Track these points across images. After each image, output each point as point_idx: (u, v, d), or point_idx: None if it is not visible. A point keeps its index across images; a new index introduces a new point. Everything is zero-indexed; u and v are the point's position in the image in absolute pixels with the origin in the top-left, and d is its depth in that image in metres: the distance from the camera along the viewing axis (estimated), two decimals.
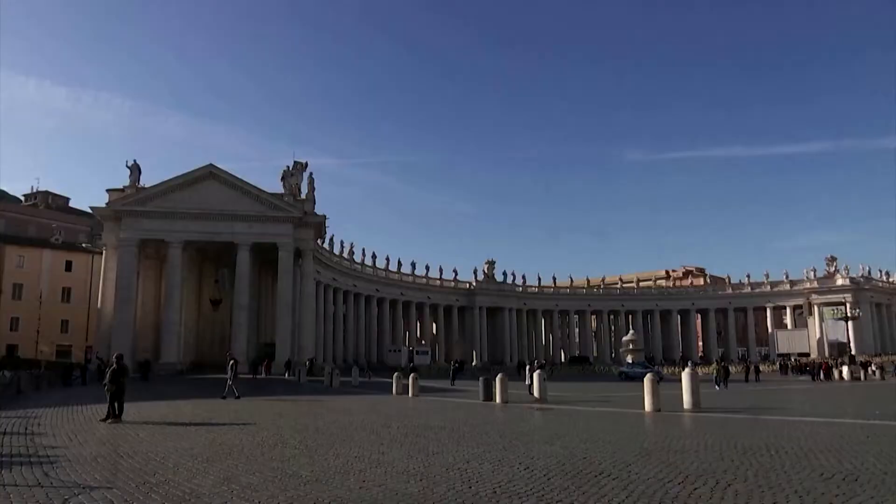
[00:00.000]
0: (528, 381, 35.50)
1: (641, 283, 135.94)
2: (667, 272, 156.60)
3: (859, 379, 58.31)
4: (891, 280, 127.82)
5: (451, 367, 55.40)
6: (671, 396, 24.69)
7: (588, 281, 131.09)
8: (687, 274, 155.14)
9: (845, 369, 61.63)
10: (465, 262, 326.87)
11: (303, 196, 71.29)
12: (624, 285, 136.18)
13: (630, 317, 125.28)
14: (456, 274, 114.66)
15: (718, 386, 42.46)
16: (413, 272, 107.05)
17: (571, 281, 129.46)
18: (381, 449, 13.60)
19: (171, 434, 16.93)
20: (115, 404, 19.71)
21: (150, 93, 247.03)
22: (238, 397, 29.89)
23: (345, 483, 9.69)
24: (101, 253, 70.04)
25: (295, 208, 68.68)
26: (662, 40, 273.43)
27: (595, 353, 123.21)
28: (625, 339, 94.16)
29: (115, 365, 20.70)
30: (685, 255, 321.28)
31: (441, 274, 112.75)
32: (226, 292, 71.00)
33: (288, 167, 71.40)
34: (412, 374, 36.35)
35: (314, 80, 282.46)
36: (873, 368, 65.53)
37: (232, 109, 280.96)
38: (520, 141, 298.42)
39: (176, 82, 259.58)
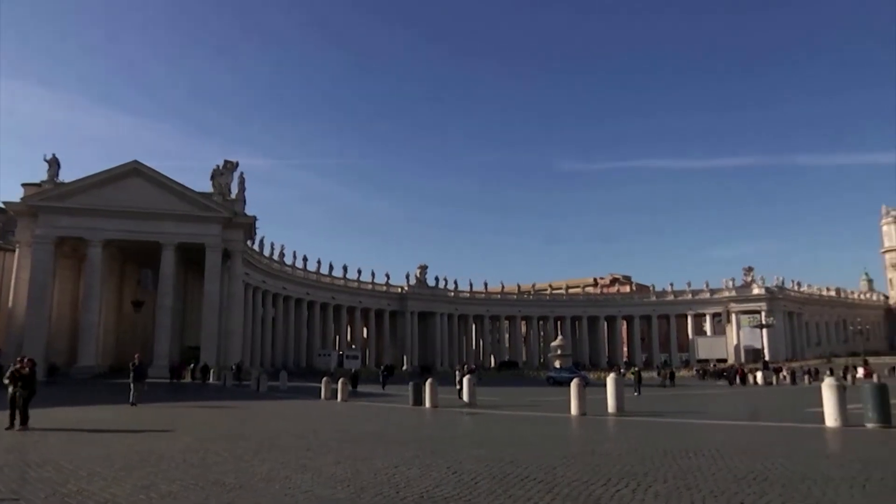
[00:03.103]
0: (458, 386, 35.66)
1: (570, 290, 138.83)
2: (595, 280, 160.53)
3: (772, 384, 61.24)
4: (802, 290, 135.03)
5: (382, 372, 55.06)
6: (596, 401, 25.24)
7: (519, 287, 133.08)
8: (614, 282, 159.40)
9: (759, 374, 64.62)
10: (398, 267, 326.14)
11: (233, 196, 69.58)
12: (554, 292, 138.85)
13: (559, 323, 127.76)
14: (388, 278, 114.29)
15: (637, 392, 43.60)
16: (345, 276, 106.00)
17: (503, 287, 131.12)
18: (309, 455, 13.38)
19: (85, 441, 16.18)
20: (20, 411, 18.56)
21: (74, 86, 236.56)
22: (134, 404, 27.85)
23: (270, 489, 9.48)
24: (14, 251, 66.34)
25: (224, 208, 66.94)
26: (599, 52, 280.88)
27: (524, 359, 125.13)
28: (553, 344, 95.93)
29: (25, 368, 19.52)
30: (613, 264, 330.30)
31: (373, 278, 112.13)
32: (149, 293, 68.52)
33: (218, 166, 69.61)
34: (341, 379, 35.92)
35: (249, 80, 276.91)
36: (784, 374, 68.98)
37: (161, 107, 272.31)
38: (455, 147, 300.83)
39: (102, 76, 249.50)
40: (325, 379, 37.41)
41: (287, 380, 48.23)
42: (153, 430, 19.06)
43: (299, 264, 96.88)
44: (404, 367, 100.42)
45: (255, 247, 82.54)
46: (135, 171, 63.95)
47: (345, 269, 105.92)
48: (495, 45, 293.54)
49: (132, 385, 29.23)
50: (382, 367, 60.60)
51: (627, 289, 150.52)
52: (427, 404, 28.23)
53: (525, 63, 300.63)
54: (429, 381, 29.37)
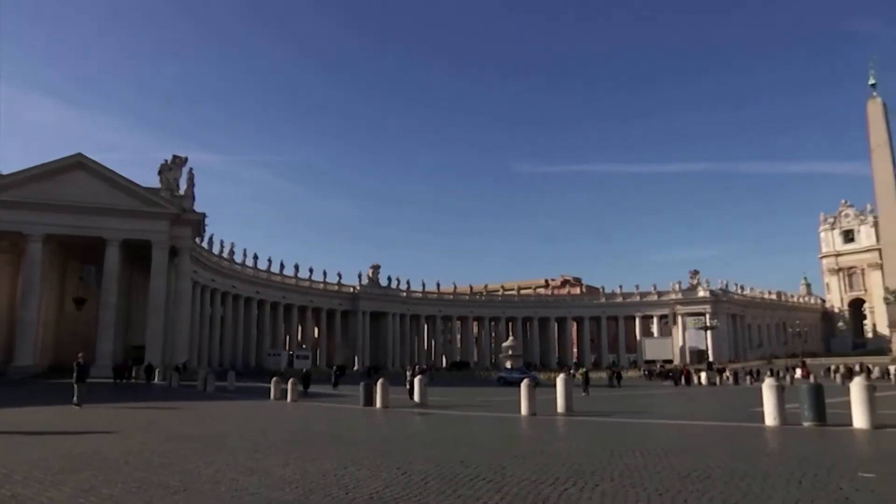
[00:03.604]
0: (408, 386, 35.64)
1: (522, 292, 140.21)
2: (546, 281, 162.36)
3: (715, 384, 62.94)
4: (745, 293, 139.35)
5: (334, 372, 54.57)
6: (546, 401, 25.54)
7: (471, 288, 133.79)
8: (565, 283, 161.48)
9: (703, 375, 66.35)
10: (351, 267, 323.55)
11: (181, 192, 67.94)
12: (506, 293, 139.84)
13: (510, 323, 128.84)
14: (340, 278, 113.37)
15: (585, 392, 44.20)
16: (296, 275, 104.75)
17: (455, 287, 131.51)
18: (256, 456, 13.17)
19: (21, 444, 15.59)
20: None
21: (15, 76, 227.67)
22: (78, 405, 27.01)
23: (216, 492, 9.31)
24: None
25: (172, 204, 65.34)
26: (556, 58, 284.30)
27: (476, 359, 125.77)
28: (504, 344, 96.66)
29: None
30: (564, 266, 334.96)
31: (325, 277, 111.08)
32: (92, 291, 66.41)
33: (166, 161, 67.89)
34: (291, 379, 35.48)
35: (200, 76, 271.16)
36: (727, 374, 71.00)
37: (108, 100, 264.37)
38: (411, 148, 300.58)
39: (45, 68, 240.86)
40: (274, 379, 36.92)
41: (235, 380, 47.39)
42: (95, 431, 18.49)
43: (249, 262, 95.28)
44: (355, 368, 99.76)
45: (205, 244, 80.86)
46: (79, 164, 61.87)
47: (296, 268, 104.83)
48: (454, 47, 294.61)
49: (75, 385, 28.25)
50: (335, 368, 60.08)
51: (578, 290, 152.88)
52: (378, 405, 28.12)
53: (482, 66, 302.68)
54: (380, 381, 29.28)
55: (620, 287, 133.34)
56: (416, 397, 30.05)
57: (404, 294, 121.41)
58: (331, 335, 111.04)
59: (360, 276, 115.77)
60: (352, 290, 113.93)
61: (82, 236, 63.09)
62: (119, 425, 20.32)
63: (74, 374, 28.63)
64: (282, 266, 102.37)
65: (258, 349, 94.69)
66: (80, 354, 30.52)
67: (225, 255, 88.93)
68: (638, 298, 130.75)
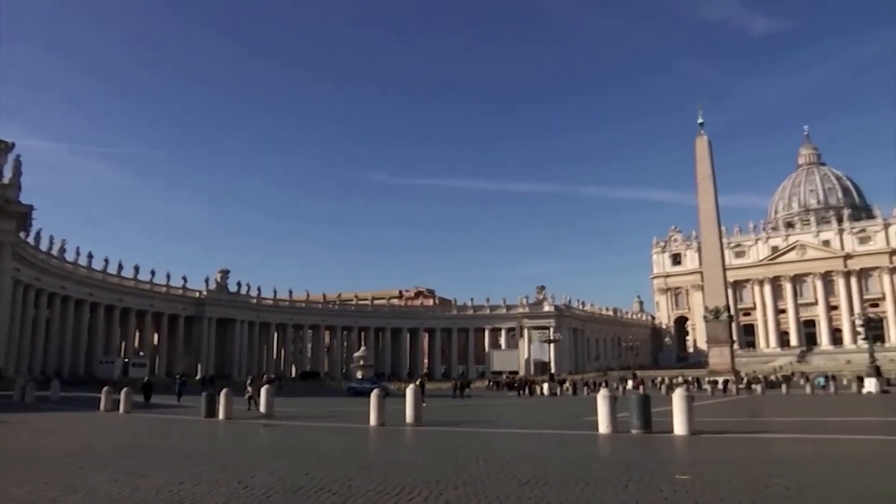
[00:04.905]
0: (246, 395, 34.61)
1: (376, 302, 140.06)
2: (400, 292, 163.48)
3: (556, 394, 66.23)
4: (585, 308, 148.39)
5: (178, 382, 51.36)
6: (396, 411, 25.67)
7: (325, 297, 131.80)
8: (418, 295, 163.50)
9: (546, 386, 69.65)
10: (197, 271, 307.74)
11: (5, 181, 61.51)
12: (359, 302, 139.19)
13: (363, 333, 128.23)
14: (185, 281, 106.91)
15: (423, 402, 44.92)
16: (136, 276, 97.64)
17: (308, 295, 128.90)
18: (80, 473, 12.14)
19: None
20: None
21: None
22: None
23: None
24: None
25: None
26: (414, 75, 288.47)
27: (327, 369, 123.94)
28: (356, 354, 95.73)
29: None
30: (419, 277, 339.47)
31: (169, 280, 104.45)
32: None
33: None
34: (125, 389, 33.02)
35: (33, 55, 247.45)
36: (567, 385, 75.02)
37: None
38: (264, 153, 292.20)
39: None
40: (105, 389, 34.19)
41: (60, 389, 43.42)
42: None
43: (83, 261, 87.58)
44: (198, 376, 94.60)
45: (31, 240, 73.64)
46: None
47: (136, 269, 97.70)
48: (313, 56, 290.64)
49: None
50: (179, 376, 56.35)
51: (431, 302, 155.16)
52: (221, 416, 26.92)
53: (341, 77, 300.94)
54: (223, 391, 28.05)
55: (472, 300, 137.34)
56: (263, 408, 29.07)
57: (254, 300, 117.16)
58: (172, 342, 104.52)
59: (207, 280, 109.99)
60: (198, 294, 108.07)
61: None
62: None
63: None
64: (120, 266, 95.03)
65: (89, 356, 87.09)
66: None
67: (55, 252, 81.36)
68: (488, 311, 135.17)
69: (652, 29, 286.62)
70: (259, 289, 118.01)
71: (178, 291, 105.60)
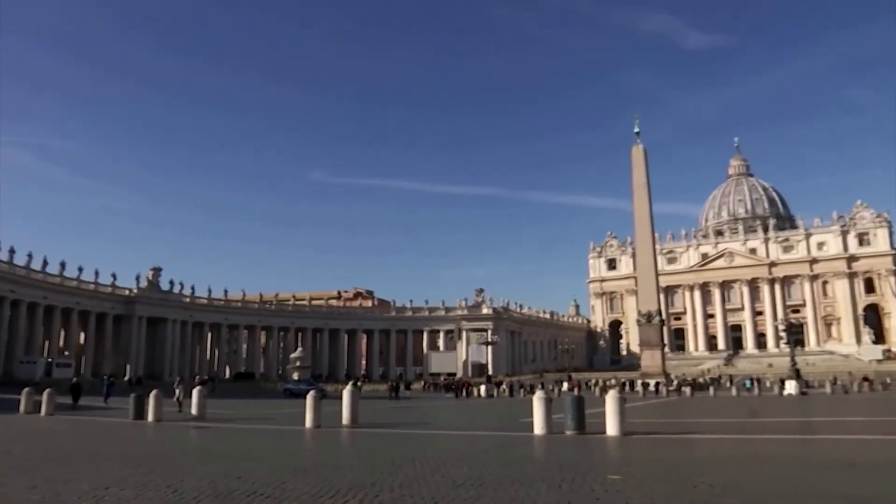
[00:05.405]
0: (175, 397, 33.80)
1: (314, 302, 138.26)
2: (339, 293, 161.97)
3: (493, 396, 66.80)
4: (523, 311, 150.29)
5: (105, 383, 49.41)
6: (332, 413, 25.39)
7: (261, 296, 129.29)
8: (357, 296, 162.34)
9: (483, 388, 70.16)
10: (127, 268, 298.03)
11: None
12: (297, 303, 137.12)
13: (300, 334, 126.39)
14: (115, 279, 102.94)
15: None
16: (62, 273, 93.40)
17: (244, 295, 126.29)
18: None
19: None
20: None
21: None
22: None
23: None
24: None
25: None
26: (362, 77, 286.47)
27: (262, 370, 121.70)
28: (293, 356, 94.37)
29: None
30: (358, 278, 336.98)
31: (97, 277, 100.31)
32: None
33: None
34: (47, 390, 31.60)
35: None
36: (504, 387, 75.72)
37: None
38: (204, 148, 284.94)
39: None
40: (26, 390, 32.63)
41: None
42: None
43: (3, 257, 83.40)
44: (126, 377, 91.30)
45: None
46: None
47: (62, 265, 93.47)
48: (255, 54, 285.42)
49: None
50: (106, 377, 54.20)
51: (370, 303, 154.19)
52: (150, 418, 26.10)
53: (284, 75, 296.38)
54: (153, 392, 27.20)
55: (411, 301, 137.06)
56: (194, 410, 28.31)
57: (187, 299, 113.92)
58: (100, 342, 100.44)
59: (137, 278, 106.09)
60: (127, 292, 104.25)
61: None
62: None
63: None
64: (45, 262, 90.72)
65: (9, 356, 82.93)
66: None
67: None
68: (427, 313, 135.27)
69: (593, 40, 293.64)
70: (193, 287, 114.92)
71: (106, 289, 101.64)
